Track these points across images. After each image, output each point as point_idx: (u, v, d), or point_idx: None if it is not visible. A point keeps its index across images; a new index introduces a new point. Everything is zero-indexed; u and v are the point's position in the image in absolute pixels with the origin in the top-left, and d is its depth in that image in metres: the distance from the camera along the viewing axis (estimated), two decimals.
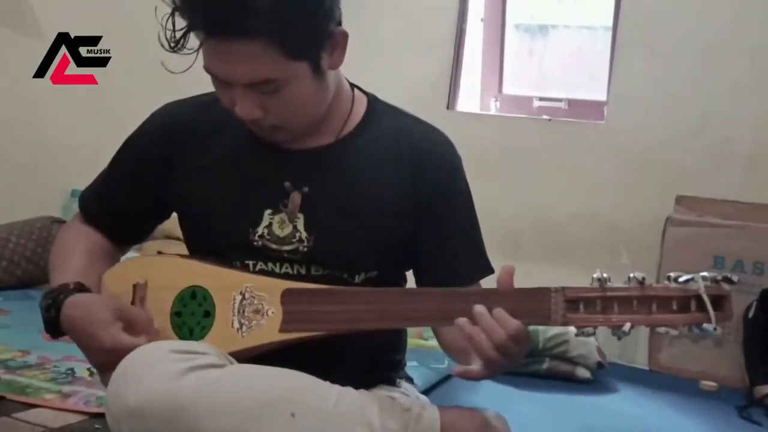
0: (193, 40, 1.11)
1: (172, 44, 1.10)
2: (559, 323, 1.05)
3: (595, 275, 1.04)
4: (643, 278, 1.03)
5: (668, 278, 1.04)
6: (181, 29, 1.10)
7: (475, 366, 1.06)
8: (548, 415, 1.97)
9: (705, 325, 1.02)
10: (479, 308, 1.04)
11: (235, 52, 1.08)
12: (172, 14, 1.09)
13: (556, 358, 2.27)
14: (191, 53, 1.11)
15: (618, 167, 2.68)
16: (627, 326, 1.02)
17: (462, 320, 1.05)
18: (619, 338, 1.04)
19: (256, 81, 1.11)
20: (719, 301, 1.03)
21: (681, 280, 1.03)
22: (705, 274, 1.03)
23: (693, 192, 2.55)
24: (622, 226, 2.65)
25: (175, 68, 1.18)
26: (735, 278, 1.03)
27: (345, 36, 1.17)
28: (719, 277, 1.03)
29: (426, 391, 1.82)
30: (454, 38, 2.92)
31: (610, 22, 2.82)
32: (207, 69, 1.14)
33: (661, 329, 1.03)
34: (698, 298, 1.02)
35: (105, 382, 1.12)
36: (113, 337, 1.11)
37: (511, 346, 1.03)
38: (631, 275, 1.04)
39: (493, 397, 1.88)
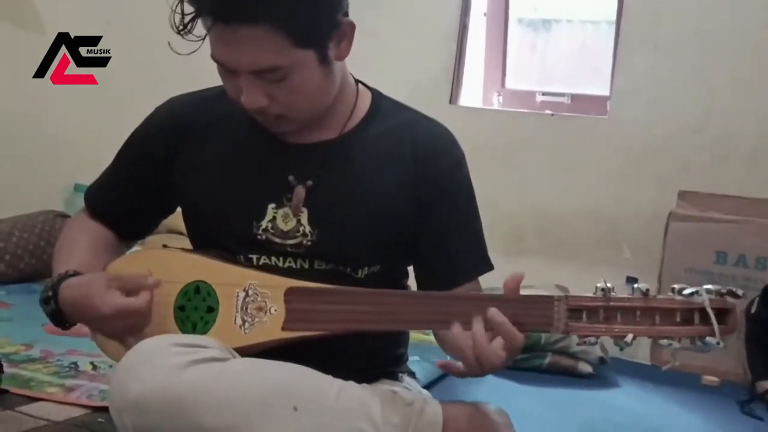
0: (201, 30, 1.11)
1: (180, 29, 1.10)
2: (561, 331, 1.05)
3: (598, 285, 1.04)
4: (647, 289, 1.03)
5: (672, 290, 1.04)
6: (189, 14, 1.10)
7: (459, 364, 1.07)
8: (550, 409, 1.97)
9: (708, 339, 1.02)
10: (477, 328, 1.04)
11: (242, 39, 1.08)
12: (181, 1, 1.10)
13: (558, 353, 2.27)
14: (198, 41, 1.11)
15: (620, 162, 2.68)
16: (629, 337, 1.02)
17: (456, 329, 1.05)
18: (621, 348, 1.04)
19: (263, 68, 1.11)
20: (723, 315, 1.02)
21: (685, 292, 1.03)
22: (710, 287, 1.03)
23: (695, 187, 2.55)
24: (624, 221, 2.65)
25: (181, 51, 1.19)
26: (740, 292, 1.03)
27: (352, 27, 1.17)
28: (724, 291, 1.03)
29: (428, 386, 1.82)
30: (456, 33, 2.92)
31: (613, 17, 2.82)
32: (213, 57, 1.13)
33: (664, 341, 1.03)
34: (702, 311, 1.02)
35: (128, 346, 1.11)
36: (109, 303, 1.11)
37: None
38: (635, 286, 1.04)
39: (494, 391, 1.88)
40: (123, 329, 1.14)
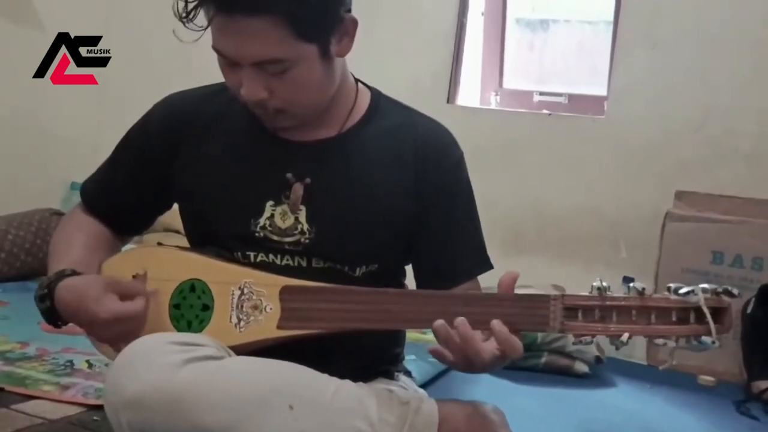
0: (203, 20, 1.11)
1: (183, 16, 1.10)
2: (557, 330, 1.05)
3: (594, 284, 1.04)
4: (643, 288, 1.03)
5: (668, 289, 1.04)
6: (193, 0, 1.10)
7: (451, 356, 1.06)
8: (546, 409, 1.97)
9: (704, 338, 1.02)
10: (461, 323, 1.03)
11: (244, 30, 1.08)
12: None
13: (555, 352, 2.27)
14: (200, 30, 1.11)
15: (618, 162, 2.68)
16: (625, 336, 1.02)
17: (438, 324, 1.04)
18: (617, 348, 1.04)
19: (264, 60, 1.11)
20: (719, 314, 1.02)
21: (681, 291, 1.03)
22: (705, 286, 1.03)
23: (693, 186, 2.54)
24: (622, 221, 2.65)
25: (184, 42, 1.19)
26: (736, 291, 1.03)
27: (354, 23, 1.17)
28: (720, 290, 1.03)
29: (424, 385, 1.82)
30: (454, 32, 2.92)
31: (611, 17, 2.82)
32: (215, 48, 1.13)
33: (659, 341, 1.03)
34: (698, 310, 1.02)
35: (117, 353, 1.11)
36: (107, 308, 1.11)
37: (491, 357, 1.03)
38: (631, 285, 1.04)
39: (491, 390, 1.88)
40: (117, 335, 1.13)
